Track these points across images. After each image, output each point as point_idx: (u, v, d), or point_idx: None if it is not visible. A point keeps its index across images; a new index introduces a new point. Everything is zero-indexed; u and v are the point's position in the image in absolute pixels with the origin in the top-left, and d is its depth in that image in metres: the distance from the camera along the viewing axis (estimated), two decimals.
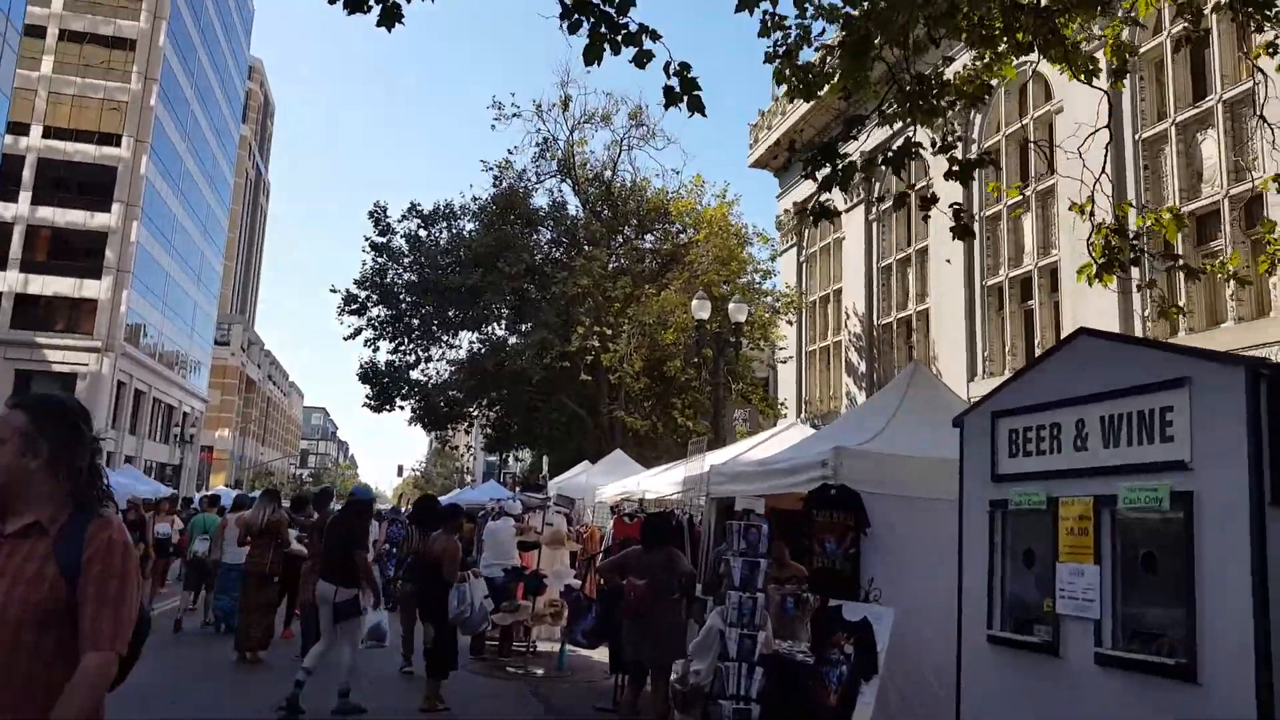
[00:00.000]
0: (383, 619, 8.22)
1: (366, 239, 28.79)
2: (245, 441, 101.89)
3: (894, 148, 6.44)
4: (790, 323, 27.13)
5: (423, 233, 28.91)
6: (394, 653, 9.94)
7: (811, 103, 24.57)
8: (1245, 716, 3.11)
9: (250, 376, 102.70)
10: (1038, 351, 17.47)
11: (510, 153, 31.61)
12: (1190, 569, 3.37)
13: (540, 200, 29.48)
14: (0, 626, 2.17)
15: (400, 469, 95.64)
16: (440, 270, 27.46)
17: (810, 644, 6.44)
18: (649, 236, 28.72)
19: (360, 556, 7.95)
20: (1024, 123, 18.59)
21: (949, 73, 7.70)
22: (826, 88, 7.35)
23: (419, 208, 29.06)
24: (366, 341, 28.66)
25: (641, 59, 5.30)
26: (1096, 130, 7.10)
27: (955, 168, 6.42)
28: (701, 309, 19.06)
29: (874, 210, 24.05)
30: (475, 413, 32.81)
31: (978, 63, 7.77)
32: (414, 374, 29.67)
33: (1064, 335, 16.44)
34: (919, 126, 7.00)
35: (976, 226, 19.49)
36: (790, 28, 7.30)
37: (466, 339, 29.94)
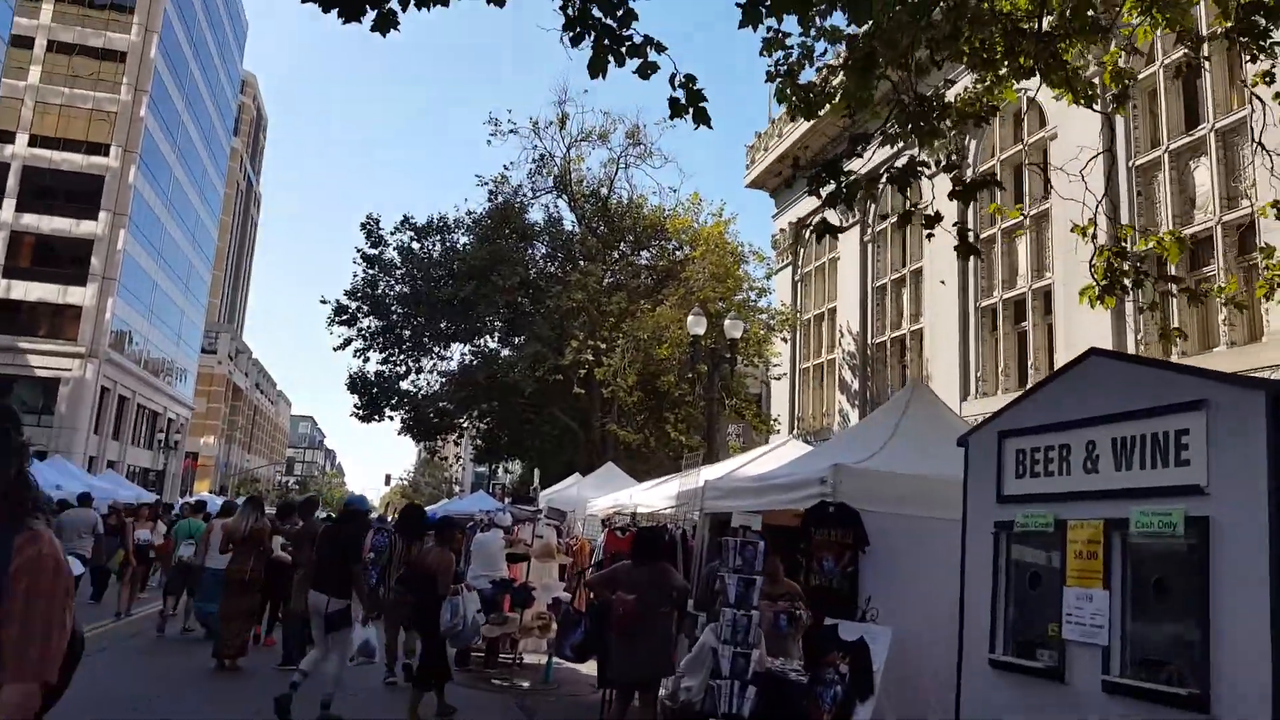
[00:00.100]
0: (372, 635, 8.10)
1: (358, 250, 28.73)
2: (231, 449, 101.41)
3: (898, 166, 6.40)
4: (785, 340, 27.13)
5: (415, 245, 28.84)
6: (379, 664, 9.67)
7: (809, 124, 24.80)
8: None
9: (237, 384, 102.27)
10: (1030, 373, 17.49)
11: (506, 168, 31.65)
12: (1204, 596, 3.29)
13: (536, 215, 29.55)
14: None
15: (388, 478, 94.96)
16: (433, 282, 27.38)
17: (804, 662, 6.36)
18: (645, 253, 28.73)
19: (356, 570, 7.88)
20: (1019, 148, 18.68)
21: (950, 95, 7.69)
22: (827, 107, 7.35)
23: (412, 220, 29.08)
24: (356, 352, 28.55)
25: (646, 70, 5.25)
26: (1098, 154, 7.11)
27: (959, 188, 6.36)
28: (697, 325, 19.02)
29: (869, 231, 24.10)
30: (465, 424, 32.66)
31: (978, 86, 7.77)
32: (404, 385, 29.57)
33: (1057, 357, 16.57)
34: (921, 148, 6.99)
35: (961, 252, 19.56)
36: (792, 47, 7.30)
37: (458, 351, 29.90)
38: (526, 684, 10.17)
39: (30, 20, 48.30)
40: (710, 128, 5.18)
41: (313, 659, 7.81)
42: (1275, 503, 3.09)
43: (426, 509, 28.08)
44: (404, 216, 29.44)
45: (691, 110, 5.11)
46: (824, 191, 6.10)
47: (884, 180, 6.43)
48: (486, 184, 29.10)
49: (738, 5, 4.88)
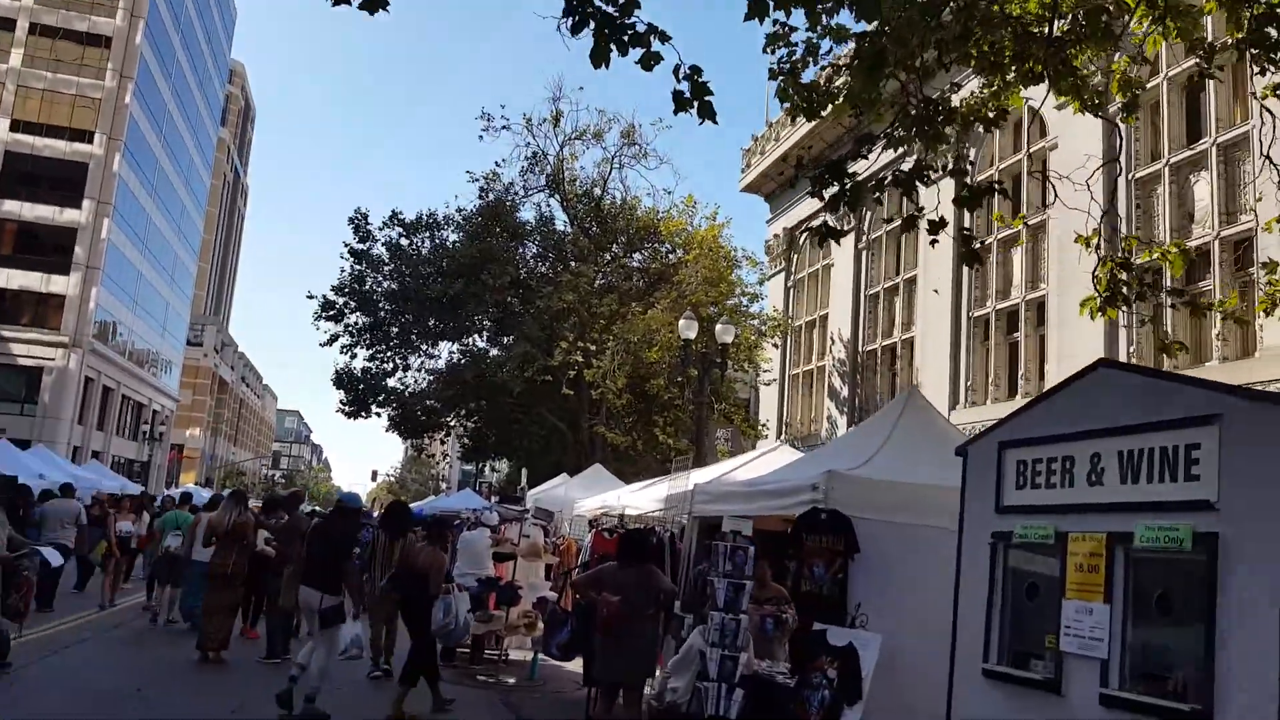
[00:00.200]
0: (360, 630, 8.05)
1: (346, 245, 28.49)
2: (217, 441, 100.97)
3: (904, 170, 6.34)
4: (775, 346, 27.09)
5: (404, 241, 28.61)
6: (365, 658, 9.67)
7: (807, 128, 24.79)
8: None
9: (223, 377, 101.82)
10: (1021, 383, 17.50)
11: (498, 165, 31.44)
12: (1211, 613, 3.23)
13: (527, 214, 29.35)
14: None
15: (374, 474, 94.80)
16: (421, 279, 27.17)
17: (790, 665, 6.29)
18: (637, 255, 28.61)
19: (348, 567, 7.88)
20: (1018, 157, 18.69)
21: (956, 99, 7.63)
22: (830, 108, 7.27)
23: (401, 216, 28.78)
24: (344, 348, 28.32)
25: (649, 61, 5.14)
26: (1106, 163, 7.08)
27: (965, 194, 6.30)
28: (689, 329, 18.96)
29: (864, 238, 24.10)
30: (453, 422, 32.47)
31: (985, 90, 7.72)
32: (391, 382, 29.35)
33: (1048, 369, 16.55)
34: (926, 152, 6.92)
35: (965, 259, 19.58)
36: (796, 44, 7.22)
37: (446, 349, 29.70)
38: (512, 680, 10.16)
39: (12, 1, 47.58)
40: (715, 122, 5.10)
41: (309, 650, 7.79)
42: None
43: (413, 506, 28.03)
44: (392, 212, 29.18)
45: (697, 104, 5.02)
46: (827, 193, 6.01)
47: (888, 184, 6.35)
48: (478, 180, 28.90)
49: None
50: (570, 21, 4.98)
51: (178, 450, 77.02)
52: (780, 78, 7.22)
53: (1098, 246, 7.11)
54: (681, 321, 19.22)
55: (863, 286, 24.02)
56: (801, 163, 7.08)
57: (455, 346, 29.46)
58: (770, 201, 30.16)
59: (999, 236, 18.70)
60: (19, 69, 47.65)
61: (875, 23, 5.97)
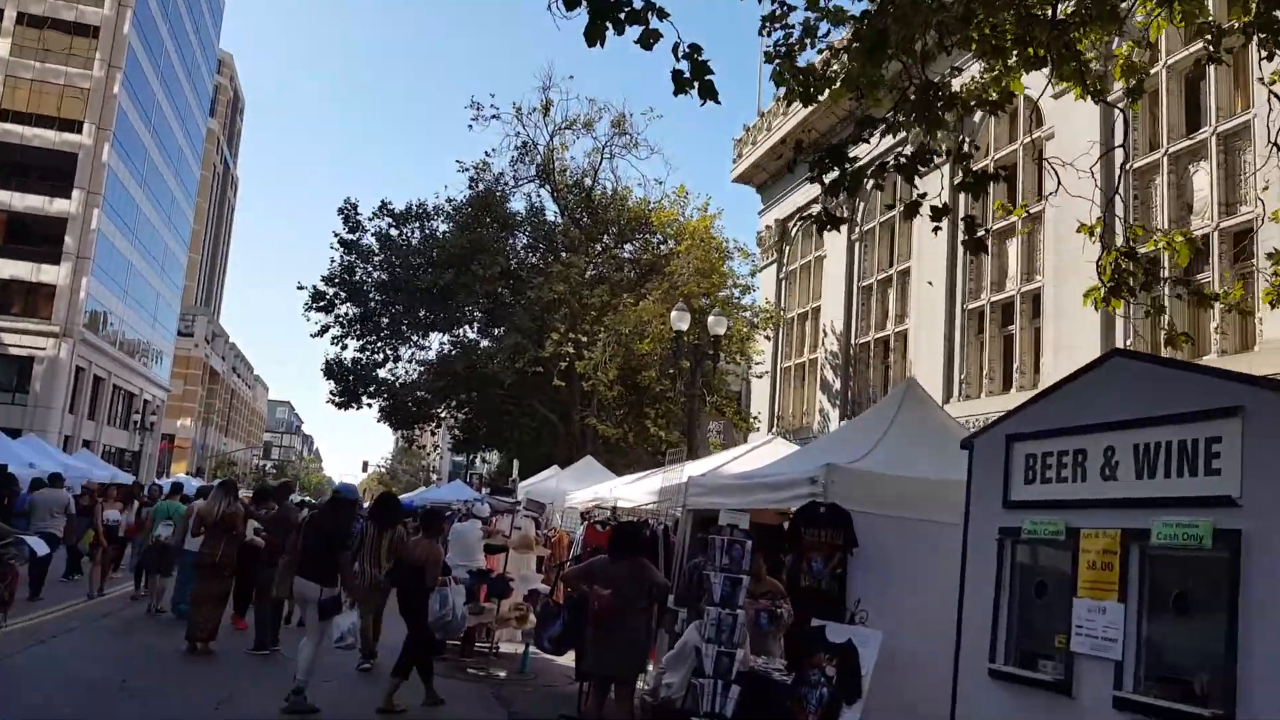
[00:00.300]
0: (356, 620, 8.02)
1: (336, 235, 28.30)
2: (208, 431, 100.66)
3: (906, 155, 6.18)
4: (768, 338, 26.96)
5: (394, 232, 28.43)
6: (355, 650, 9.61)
7: (799, 119, 24.58)
8: None
9: (214, 368, 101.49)
10: (1016, 376, 17.40)
11: (488, 155, 31.27)
12: (1233, 613, 3.10)
13: (518, 205, 29.19)
14: None
15: (365, 465, 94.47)
16: (411, 270, 27.00)
17: (786, 662, 6.17)
18: (629, 246, 28.46)
19: (343, 558, 7.84)
20: (1014, 148, 18.55)
21: (956, 84, 7.48)
22: (827, 93, 7.10)
23: (390, 206, 28.61)
24: (334, 339, 28.17)
25: (648, 39, 4.97)
26: (1109, 150, 6.95)
27: (969, 179, 6.14)
28: (681, 320, 18.81)
29: (857, 230, 23.95)
30: (444, 414, 32.33)
31: (986, 76, 7.56)
32: (381, 373, 29.21)
33: (1044, 361, 16.44)
34: (925, 137, 6.77)
35: (960, 251, 19.46)
36: (793, 26, 7.05)
37: (437, 340, 29.56)
38: (503, 674, 10.04)
39: None
40: (718, 102, 4.92)
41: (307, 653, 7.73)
42: None
43: (403, 497, 27.78)
44: (382, 202, 28.99)
45: (697, 84, 4.84)
46: (827, 179, 5.85)
47: (890, 169, 6.19)
48: (467, 170, 28.71)
49: None
50: None
51: (169, 440, 76.88)
52: (776, 61, 7.05)
53: (1102, 235, 6.97)
54: (673, 313, 19.08)
55: (856, 278, 23.89)
56: (800, 146, 6.86)
57: (446, 337, 29.40)
58: (762, 193, 30.00)
59: (994, 227, 18.58)
60: (7, 59, 47.37)
61: (878, 3, 5.82)
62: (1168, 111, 15.19)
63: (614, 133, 27.96)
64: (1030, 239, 17.62)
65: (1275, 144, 5.93)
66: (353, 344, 28.41)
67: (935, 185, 7.45)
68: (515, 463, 30.18)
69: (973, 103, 7.34)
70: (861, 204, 23.28)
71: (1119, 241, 7.34)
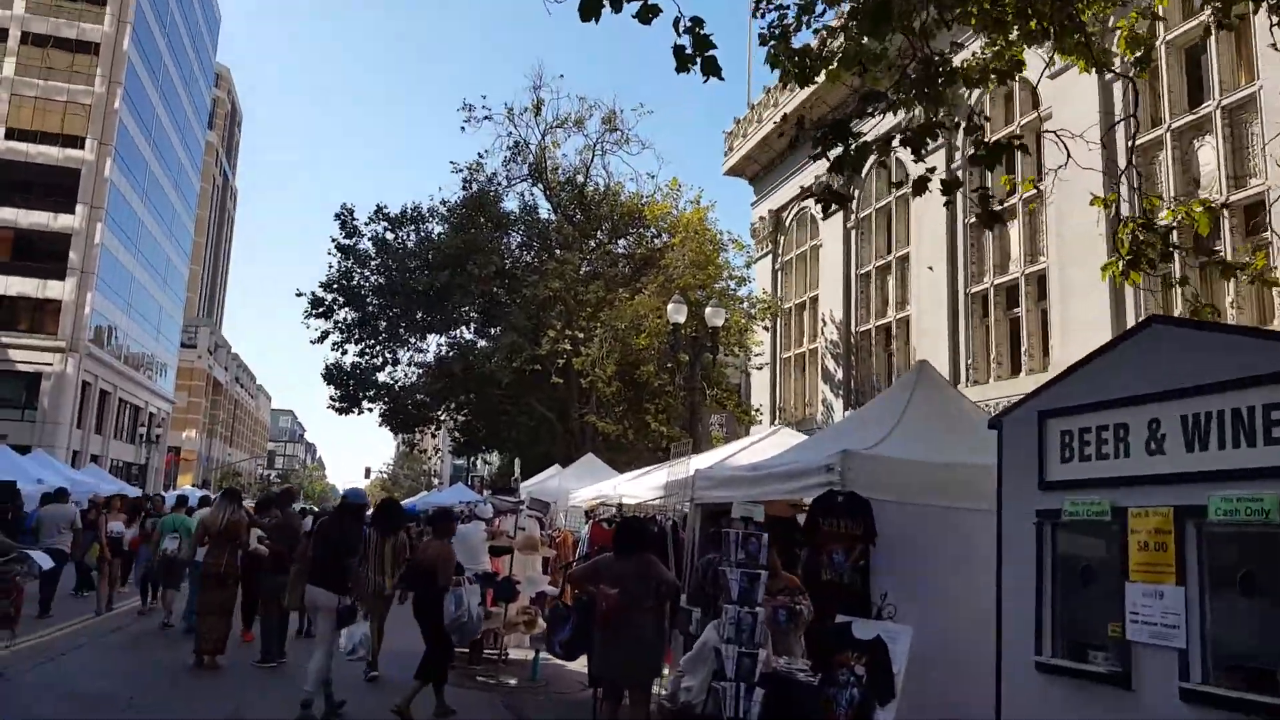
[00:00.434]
0: (366, 633, 7.87)
1: (333, 240, 28.22)
2: (213, 443, 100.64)
3: (912, 128, 5.93)
4: (766, 329, 26.72)
5: (390, 235, 28.38)
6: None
7: (789, 108, 24.28)
8: None
9: (217, 379, 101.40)
10: (1024, 359, 17.14)
11: (481, 156, 31.22)
12: None
13: (511, 204, 29.12)
14: None
15: (368, 471, 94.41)
16: (408, 272, 26.92)
17: (810, 661, 5.92)
18: (622, 241, 28.28)
19: (351, 564, 7.76)
20: (1010, 129, 18.28)
21: (957, 60, 7.24)
22: (823, 74, 6.85)
23: (385, 210, 28.58)
24: (334, 345, 28.13)
25: (646, 14, 4.73)
26: (1119, 120, 6.71)
27: (981, 151, 5.89)
28: (678, 312, 18.57)
29: (853, 217, 23.68)
30: (443, 416, 32.19)
31: (987, 51, 7.32)
32: (381, 376, 29.11)
33: (1052, 343, 16.16)
34: (929, 115, 6.52)
35: (960, 234, 19.19)
36: (788, 6, 6.80)
37: (434, 342, 29.48)
38: (513, 681, 9.79)
39: (4, 11, 47.69)
40: (721, 78, 4.68)
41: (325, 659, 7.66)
42: None
43: (406, 502, 27.46)
44: (377, 206, 28.99)
45: (700, 60, 4.60)
46: (831, 154, 5.61)
47: (896, 143, 5.94)
48: (461, 171, 28.64)
49: None
50: None
51: (175, 453, 76.99)
52: (771, 43, 6.80)
53: (1116, 208, 6.73)
54: (670, 305, 18.82)
55: (853, 266, 23.61)
56: (802, 123, 6.61)
57: (443, 339, 29.30)
58: (754, 184, 29.75)
59: (995, 209, 18.33)
60: (12, 78, 47.81)
61: None
62: (1168, 86, 14.94)
63: (605, 129, 27.85)
64: (1032, 219, 17.35)
65: None
66: (352, 349, 28.41)
67: (936, 164, 7.21)
68: (517, 462, 29.95)
69: (976, 76, 7.11)
70: (857, 191, 23.00)
71: (1130, 216, 7.08)
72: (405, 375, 29.58)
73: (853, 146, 5.57)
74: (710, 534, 7.16)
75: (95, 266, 48.12)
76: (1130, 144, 8.55)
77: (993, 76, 6.74)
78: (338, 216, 28.37)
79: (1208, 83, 14.25)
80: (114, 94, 49.09)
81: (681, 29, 4.69)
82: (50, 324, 46.67)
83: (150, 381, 63.06)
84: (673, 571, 8.32)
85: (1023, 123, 17.66)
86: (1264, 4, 6.43)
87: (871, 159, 5.74)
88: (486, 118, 27.60)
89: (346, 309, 28.12)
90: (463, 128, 32.58)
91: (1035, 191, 14.68)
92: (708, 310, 19.43)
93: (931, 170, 6.13)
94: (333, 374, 28.39)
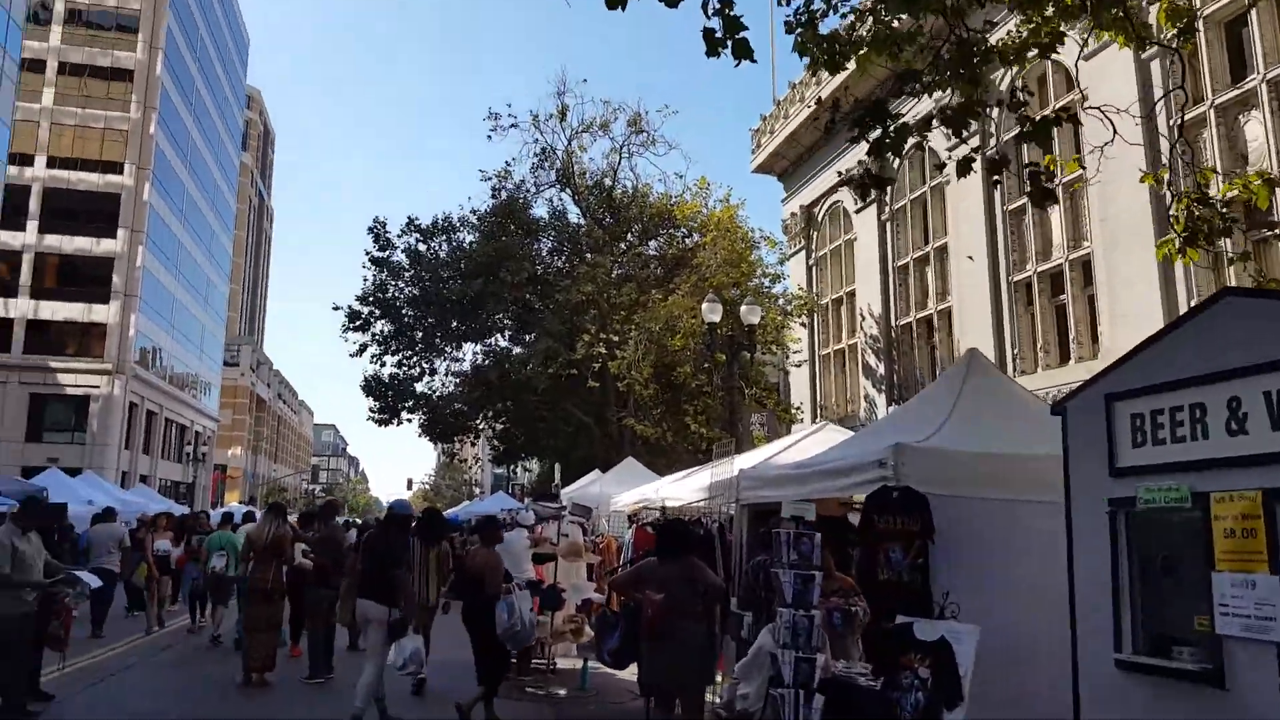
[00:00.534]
0: (420, 645, 7.89)
1: (367, 253, 28.45)
2: (258, 459, 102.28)
3: (952, 106, 5.72)
4: (803, 325, 26.42)
5: (422, 246, 28.56)
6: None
7: (816, 103, 23.95)
8: None
9: (260, 396, 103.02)
10: (1074, 347, 16.71)
11: (508, 164, 31.45)
12: None
13: (540, 210, 29.17)
14: None
15: (410, 482, 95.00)
16: (441, 282, 27.04)
17: (871, 665, 5.71)
18: (653, 242, 28.18)
19: (399, 576, 7.72)
20: (1045, 113, 17.86)
21: (993, 39, 7.01)
22: (853, 60, 6.66)
23: (417, 222, 28.81)
24: (372, 357, 28.36)
25: None
26: (1170, 91, 6.43)
27: (1029, 127, 5.66)
28: (713, 311, 18.36)
29: (887, 209, 23.33)
30: (481, 424, 32.29)
31: (1024, 29, 7.08)
32: (419, 387, 29.29)
33: (1101, 330, 15.74)
34: (968, 95, 6.30)
35: (999, 222, 18.78)
36: None
37: (470, 350, 29.59)
38: (563, 691, 9.64)
39: (40, 43, 48.95)
40: (754, 61, 4.53)
41: (375, 676, 7.67)
42: None
43: (448, 512, 27.59)
44: (408, 218, 29.20)
45: (731, 43, 4.45)
46: (870, 137, 5.43)
47: (936, 123, 5.73)
48: (490, 179, 28.79)
49: None
50: None
51: (221, 470, 78.35)
52: (798, 31, 6.62)
53: (1170, 184, 6.45)
54: (705, 304, 18.64)
55: (890, 259, 23.26)
56: (838, 105, 6.41)
57: (478, 348, 29.38)
58: (784, 180, 29.48)
59: (1044, 185, 17.90)
60: (51, 107, 49.25)
61: None
62: (1209, 63, 14.50)
63: (631, 132, 27.76)
64: (1074, 204, 16.91)
65: None
66: (390, 360, 28.60)
67: (972, 148, 6.97)
68: (557, 469, 29.92)
69: (1012, 55, 6.87)
70: (893, 179, 22.65)
71: (1185, 191, 6.79)
72: (443, 385, 29.76)
73: (892, 128, 5.40)
74: (760, 535, 6.98)
75: (138, 289, 49.19)
76: (1180, 117, 8.21)
77: (1033, 52, 6.50)
78: (370, 230, 28.66)
79: (1250, 56, 13.80)
80: (149, 119, 50.28)
81: (710, 11, 4.54)
82: (97, 347, 47.80)
83: (195, 400, 64.29)
84: (721, 575, 8.17)
85: (1058, 105, 17.25)
86: None
87: (911, 141, 5.56)
88: (513, 125, 27.72)
89: (383, 321, 28.35)
90: (489, 136, 32.69)
91: (1080, 172, 14.28)
92: (743, 308, 19.21)
93: (977, 150, 5.92)
94: (371, 386, 28.62)
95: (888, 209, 23.19)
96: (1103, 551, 3.83)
